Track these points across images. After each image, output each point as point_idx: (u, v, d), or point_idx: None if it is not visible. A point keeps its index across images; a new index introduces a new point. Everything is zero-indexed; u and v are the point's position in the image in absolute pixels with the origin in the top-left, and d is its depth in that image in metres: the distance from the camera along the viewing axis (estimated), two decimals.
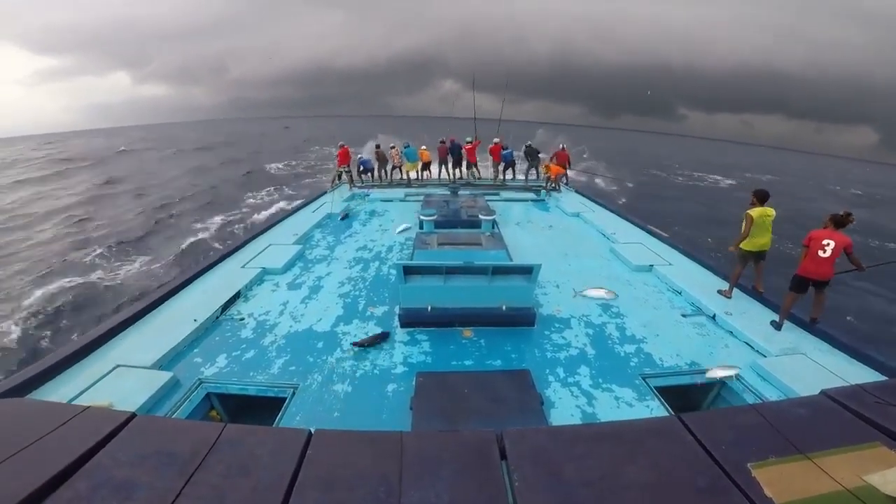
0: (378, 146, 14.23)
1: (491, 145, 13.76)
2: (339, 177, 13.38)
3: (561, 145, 13.53)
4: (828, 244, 4.49)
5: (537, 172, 13.87)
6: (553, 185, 12.66)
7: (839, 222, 4.58)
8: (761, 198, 5.32)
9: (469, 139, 13.85)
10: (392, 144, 14.26)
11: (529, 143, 14.23)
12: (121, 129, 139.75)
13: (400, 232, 8.72)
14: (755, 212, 5.29)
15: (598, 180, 26.16)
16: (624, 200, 23.48)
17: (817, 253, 4.55)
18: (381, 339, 4.73)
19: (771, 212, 5.30)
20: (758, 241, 5.34)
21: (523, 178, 14.19)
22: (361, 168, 13.56)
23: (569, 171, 13.74)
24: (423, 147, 13.88)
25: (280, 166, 36.14)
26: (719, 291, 5.70)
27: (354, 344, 4.60)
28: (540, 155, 14.15)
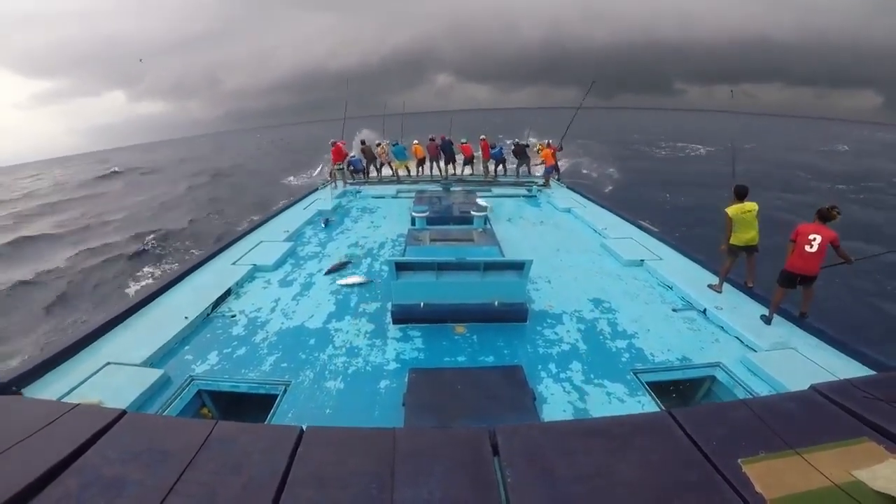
0: (363, 142, 14.17)
1: (479, 142, 13.84)
2: (332, 174, 13.32)
3: (547, 141, 13.64)
4: (814, 239, 4.51)
5: (528, 170, 13.92)
6: (544, 181, 12.71)
7: (824, 216, 4.59)
8: (739, 194, 5.36)
9: (464, 140, 13.97)
10: (378, 142, 14.20)
11: (517, 140, 14.25)
12: (150, 146, 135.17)
13: (337, 272, 6.53)
14: (732, 209, 5.32)
15: (583, 169, 27.38)
16: (611, 188, 23.85)
17: (804, 248, 4.56)
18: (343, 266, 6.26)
19: (751, 206, 5.32)
20: (742, 235, 5.37)
21: (514, 174, 14.23)
22: (352, 168, 13.50)
23: (559, 163, 13.81)
24: (416, 142, 13.83)
25: None
26: (709, 286, 5.73)
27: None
28: (530, 140, 14.19)
